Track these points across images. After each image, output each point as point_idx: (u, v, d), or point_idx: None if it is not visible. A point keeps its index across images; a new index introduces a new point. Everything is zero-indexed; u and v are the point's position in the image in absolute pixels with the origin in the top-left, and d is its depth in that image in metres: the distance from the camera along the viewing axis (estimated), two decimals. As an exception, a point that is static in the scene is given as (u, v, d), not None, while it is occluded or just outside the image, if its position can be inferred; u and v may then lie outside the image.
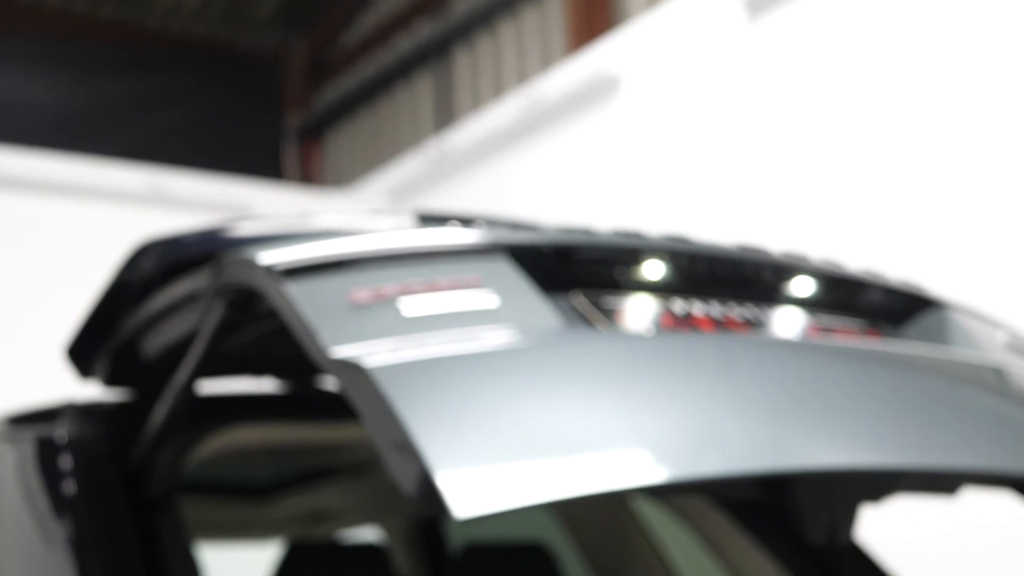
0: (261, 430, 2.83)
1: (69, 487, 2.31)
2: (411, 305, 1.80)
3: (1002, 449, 2.04)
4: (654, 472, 1.74)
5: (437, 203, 7.36)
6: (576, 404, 1.77)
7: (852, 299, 2.27)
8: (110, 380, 2.57)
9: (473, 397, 1.71)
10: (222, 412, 2.61)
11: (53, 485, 2.33)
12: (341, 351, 1.71)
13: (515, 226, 2.04)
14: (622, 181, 6.21)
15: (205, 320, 2.09)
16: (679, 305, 2.06)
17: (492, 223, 2.03)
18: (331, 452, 3.24)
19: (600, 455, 1.73)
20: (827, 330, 2.16)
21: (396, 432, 1.62)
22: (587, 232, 2.07)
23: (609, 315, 1.99)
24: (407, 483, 1.62)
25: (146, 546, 2.24)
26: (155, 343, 2.40)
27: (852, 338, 2.17)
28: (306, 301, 1.79)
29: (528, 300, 1.86)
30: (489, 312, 1.82)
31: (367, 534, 3.82)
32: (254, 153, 9.71)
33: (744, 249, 2.21)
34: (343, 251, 1.87)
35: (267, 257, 1.88)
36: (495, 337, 1.78)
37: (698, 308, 2.07)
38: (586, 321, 1.95)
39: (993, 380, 2.17)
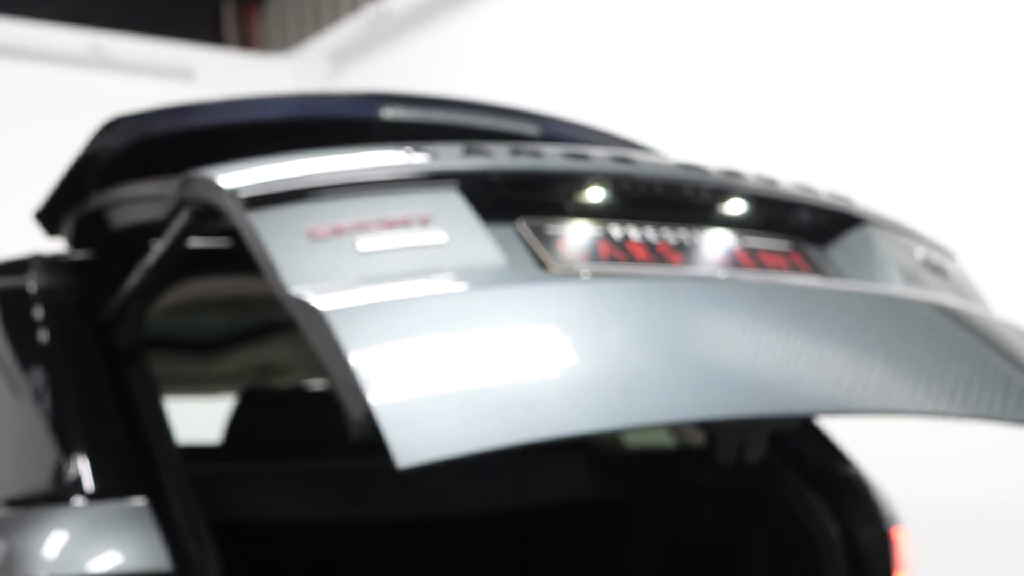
0: (215, 283, 2.92)
1: (41, 336, 2.39)
2: (366, 241, 1.90)
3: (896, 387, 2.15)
4: (587, 421, 1.86)
5: (379, 68, 7.36)
6: (514, 353, 1.88)
7: (782, 218, 2.37)
8: (76, 241, 2.66)
9: (420, 344, 1.82)
10: (179, 264, 2.71)
11: (25, 335, 2.41)
12: (299, 289, 1.82)
13: (468, 150, 2.12)
14: (572, 48, 6.24)
15: (172, 223, 2.19)
16: (616, 230, 2.17)
17: (440, 151, 2.11)
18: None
19: (536, 405, 1.85)
20: (753, 253, 2.27)
21: (347, 376, 1.74)
22: (534, 155, 2.17)
23: (551, 244, 2.08)
24: (357, 417, 1.75)
25: (118, 396, 2.32)
26: (122, 219, 2.49)
27: (772, 269, 2.26)
28: (267, 233, 1.88)
29: (475, 235, 1.97)
30: (439, 248, 1.93)
31: (317, 386, 3.95)
32: (193, 16, 9.62)
33: (683, 168, 2.30)
34: (304, 181, 1.95)
35: (231, 181, 1.96)
36: (443, 280, 1.89)
37: (634, 233, 2.18)
38: (531, 252, 2.05)
39: (891, 317, 2.26)
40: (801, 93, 4.98)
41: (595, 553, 3.38)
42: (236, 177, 1.97)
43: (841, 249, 2.43)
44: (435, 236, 1.95)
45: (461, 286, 1.90)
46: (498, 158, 2.13)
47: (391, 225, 1.94)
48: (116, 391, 2.32)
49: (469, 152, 2.12)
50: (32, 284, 2.47)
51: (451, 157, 2.09)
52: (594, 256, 2.10)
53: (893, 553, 2.83)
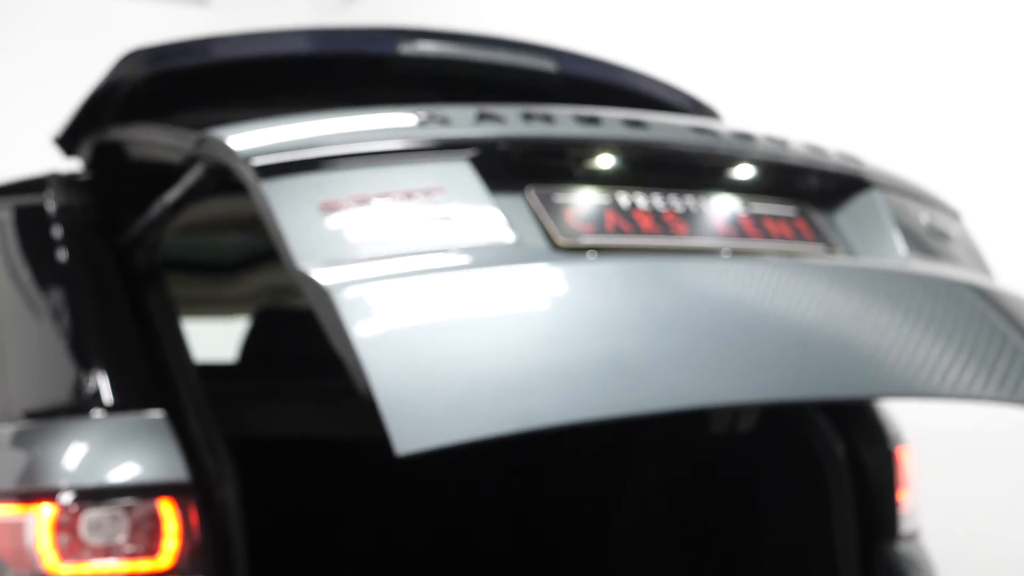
0: (231, 203, 2.95)
1: (60, 254, 2.42)
2: (376, 214, 1.93)
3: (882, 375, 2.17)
4: (587, 409, 1.90)
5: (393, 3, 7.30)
6: (516, 338, 1.91)
7: (789, 183, 2.38)
8: (93, 164, 2.69)
9: (423, 329, 1.85)
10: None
11: (43, 252, 2.45)
12: (307, 264, 1.86)
13: (480, 116, 2.13)
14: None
15: (186, 175, 2.20)
16: (624, 198, 2.19)
17: (453, 116, 2.12)
18: None
19: (536, 392, 1.88)
20: (758, 221, 2.28)
21: (351, 356, 1.79)
22: (546, 120, 2.18)
23: (558, 214, 2.10)
24: (361, 391, 1.79)
25: (135, 313, 2.36)
26: (138, 155, 2.51)
27: (776, 238, 2.27)
28: (279, 204, 1.91)
29: (483, 209, 2.00)
30: (446, 222, 1.96)
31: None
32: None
33: (693, 131, 2.32)
34: (317, 150, 1.97)
35: (246, 147, 1.97)
36: (449, 258, 1.92)
37: (641, 200, 2.20)
38: (538, 223, 2.07)
39: (891, 293, 2.26)
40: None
41: (602, 469, 3.43)
42: (250, 142, 1.98)
43: (847, 214, 2.44)
44: (444, 210, 1.97)
45: (467, 266, 1.93)
46: (510, 124, 2.14)
47: (401, 198, 1.96)
48: (133, 307, 2.36)
49: (481, 118, 2.13)
50: (50, 202, 2.50)
51: (463, 124, 2.10)
52: (600, 227, 2.11)
53: (897, 472, 2.87)
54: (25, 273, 2.49)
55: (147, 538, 2.10)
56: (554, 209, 2.12)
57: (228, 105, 2.67)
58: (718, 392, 2.07)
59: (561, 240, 2.05)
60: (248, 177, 1.93)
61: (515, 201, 2.10)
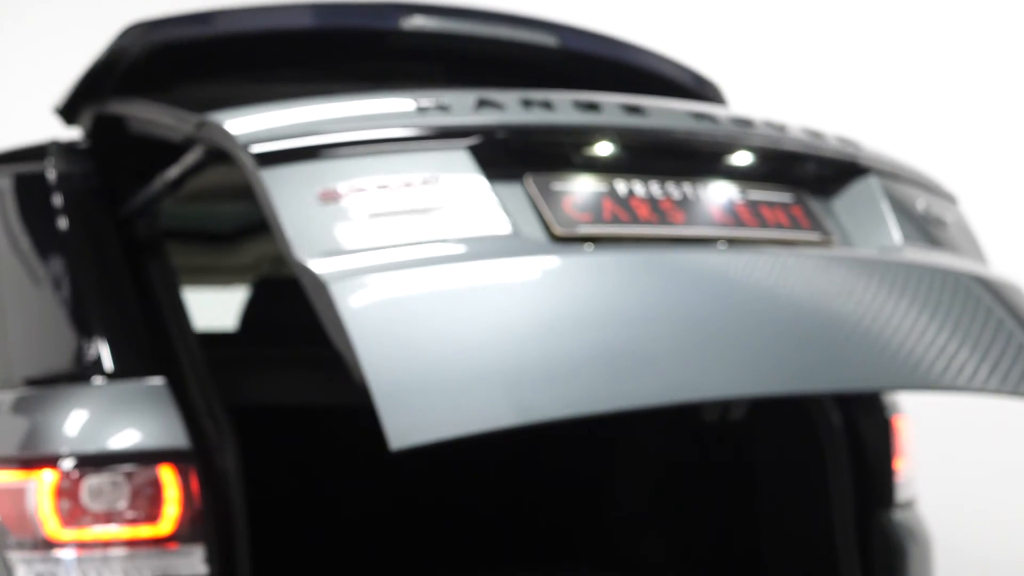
0: (231, 172, 2.96)
1: (60, 221, 2.43)
2: (375, 204, 1.95)
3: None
4: (580, 403, 1.94)
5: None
6: (511, 333, 1.93)
7: (787, 169, 2.40)
8: (93, 134, 2.68)
9: (419, 323, 1.88)
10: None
11: (44, 220, 2.45)
12: (305, 255, 1.87)
13: (480, 102, 2.14)
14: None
15: (186, 155, 2.21)
16: (622, 185, 2.20)
17: (453, 102, 2.13)
18: None
19: (528, 387, 1.91)
20: (755, 208, 2.29)
21: (348, 349, 1.82)
22: (545, 106, 2.18)
23: (556, 203, 2.11)
24: (357, 382, 1.82)
25: (136, 280, 2.36)
26: (138, 129, 2.50)
27: (772, 226, 2.29)
28: (278, 194, 1.92)
29: (482, 199, 2.01)
30: (445, 212, 1.98)
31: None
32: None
33: (692, 116, 2.33)
34: (317, 137, 1.98)
35: (245, 133, 1.97)
36: (446, 251, 1.94)
37: (639, 188, 2.21)
38: (536, 212, 2.09)
39: (883, 283, 2.28)
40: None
41: (599, 442, 3.45)
42: (250, 128, 1.98)
43: (844, 201, 2.45)
44: (442, 199, 1.99)
45: (463, 258, 1.94)
46: (509, 111, 2.15)
47: (400, 188, 1.98)
48: (134, 275, 2.37)
49: (481, 105, 2.13)
50: (51, 170, 2.51)
51: (462, 111, 2.11)
52: (598, 216, 2.13)
53: (894, 441, 2.89)
54: (26, 241, 2.50)
55: (148, 504, 2.11)
56: (552, 197, 2.12)
57: (230, 78, 2.67)
58: (714, 386, 2.10)
59: (558, 230, 2.07)
60: (247, 164, 1.94)
61: (513, 189, 2.11)
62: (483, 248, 1.97)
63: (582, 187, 2.18)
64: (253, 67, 2.72)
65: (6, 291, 2.46)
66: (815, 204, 2.41)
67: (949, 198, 2.66)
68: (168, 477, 2.12)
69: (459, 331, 1.90)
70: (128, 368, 2.22)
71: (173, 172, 2.26)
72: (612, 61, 2.95)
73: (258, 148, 1.95)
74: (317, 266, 1.85)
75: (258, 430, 2.79)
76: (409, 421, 1.83)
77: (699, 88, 3.05)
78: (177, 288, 2.40)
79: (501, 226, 2.01)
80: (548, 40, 2.86)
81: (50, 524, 2.09)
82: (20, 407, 2.26)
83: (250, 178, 1.96)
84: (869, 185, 2.46)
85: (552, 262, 2.01)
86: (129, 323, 2.28)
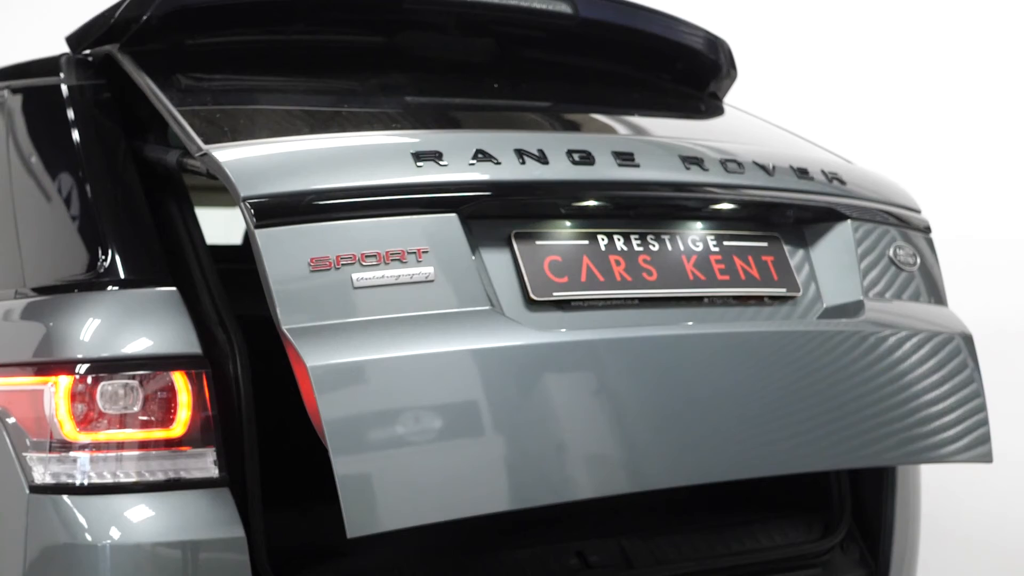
0: None
1: (73, 133, 2.44)
2: (361, 275, 2.09)
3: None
4: (521, 498, 2.14)
5: None
6: (474, 425, 2.12)
7: (766, 216, 2.54)
8: (101, 67, 2.66)
9: (388, 413, 2.06)
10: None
11: (57, 131, 2.47)
12: (291, 323, 2.04)
13: (477, 156, 2.24)
14: None
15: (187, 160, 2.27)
16: (604, 240, 2.35)
17: (452, 156, 2.22)
18: None
19: (486, 482, 2.11)
20: (729, 259, 2.45)
21: (320, 429, 2.01)
22: (540, 160, 2.28)
23: (538, 263, 2.27)
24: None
25: (150, 196, 2.39)
26: (143, 108, 2.50)
27: (744, 280, 2.45)
28: (271, 256, 2.05)
29: (465, 269, 2.17)
30: (427, 286, 2.13)
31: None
32: None
33: (683, 161, 2.43)
34: (316, 200, 2.10)
35: (246, 183, 2.08)
36: (424, 332, 2.11)
37: (620, 243, 2.36)
38: (517, 276, 2.25)
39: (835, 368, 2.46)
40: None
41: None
42: (251, 179, 2.09)
43: (818, 247, 2.60)
44: (428, 270, 2.14)
45: (438, 342, 2.11)
46: (504, 166, 2.25)
47: (390, 259, 2.12)
48: (146, 186, 2.40)
49: (477, 161, 2.24)
50: (64, 82, 2.52)
51: (459, 168, 2.22)
52: (575, 278, 2.29)
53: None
54: (40, 152, 2.53)
55: (161, 408, 2.17)
56: (534, 256, 2.29)
57: (242, 37, 2.67)
58: (661, 478, 2.30)
59: (535, 296, 2.25)
60: (247, 217, 2.06)
61: (498, 248, 2.27)
62: (458, 330, 2.13)
63: (565, 242, 2.33)
64: (266, 28, 2.70)
65: (20, 202, 2.49)
66: (790, 249, 2.55)
67: (923, 228, 2.79)
68: (181, 382, 2.18)
69: (421, 427, 2.08)
70: (141, 276, 2.26)
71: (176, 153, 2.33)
72: (625, 27, 2.98)
73: (257, 204, 2.06)
74: (300, 343, 2.02)
75: (267, 339, 2.84)
76: (366, 513, 2.02)
77: (711, 51, 3.10)
78: (189, 199, 2.44)
79: (479, 299, 2.17)
80: (562, 7, 2.88)
81: (66, 426, 2.15)
82: (36, 314, 2.30)
83: (247, 228, 2.07)
84: (843, 233, 2.60)
85: (518, 356, 2.17)
86: (142, 233, 2.32)
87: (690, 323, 2.36)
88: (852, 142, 4.43)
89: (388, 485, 2.05)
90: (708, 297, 2.40)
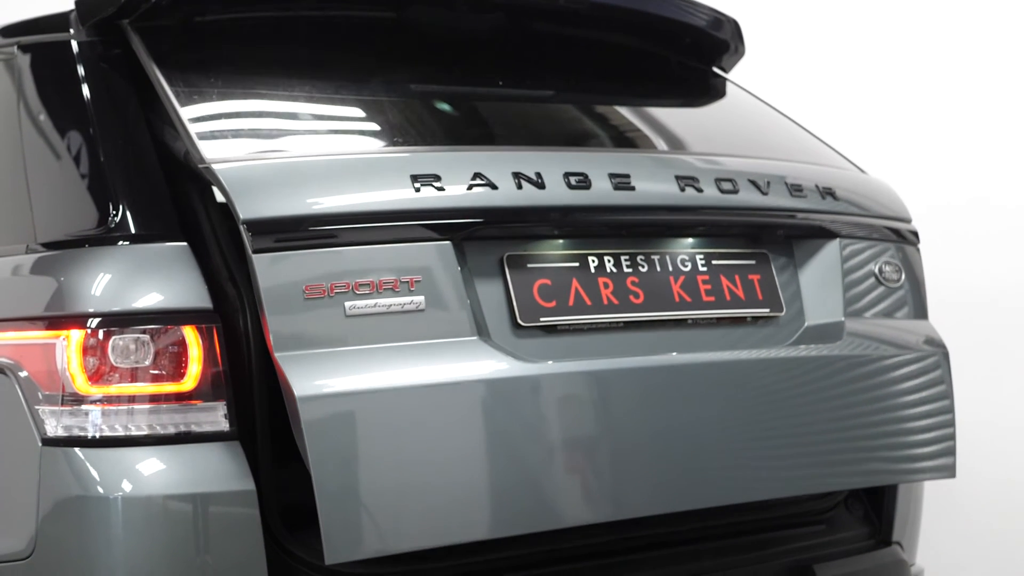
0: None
1: (84, 88, 2.43)
2: (355, 305, 2.17)
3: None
4: (504, 526, 2.23)
5: None
6: (455, 457, 2.19)
7: (756, 234, 2.60)
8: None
9: (371, 446, 2.13)
10: None
11: (68, 88, 2.47)
12: (283, 350, 2.12)
13: (474, 181, 2.29)
14: None
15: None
16: (594, 263, 2.41)
17: (448, 182, 2.27)
18: None
19: (466, 511, 2.19)
20: (716, 279, 2.51)
21: (306, 464, 2.09)
22: (537, 185, 2.33)
23: (528, 288, 2.34)
24: None
25: (160, 152, 2.37)
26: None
27: (729, 302, 2.52)
28: (268, 281, 2.12)
29: (456, 297, 2.24)
30: (420, 317, 2.21)
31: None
32: None
33: (679, 180, 2.48)
34: (312, 217, 2.16)
35: (246, 205, 2.13)
36: (411, 364, 2.18)
37: (611, 265, 2.42)
38: (507, 299, 2.31)
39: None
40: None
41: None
42: (252, 203, 2.15)
43: (806, 265, 2.66)
44: (419, 299, 2.21)
45: (421, 374, 2.19)
46: (501, 194, 2.30)
47: (381, 287, 2.19)
48: (157, 143, 2.40)
49: (475, 185, 2.29)
50: (74, 38, 2.52)
51: (456, 192, 2.27)
52: (563, 303, 2.36)
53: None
54: (50, 108, 2.53)
55: (172, 362, 2.19)
56: (524, 280, 2.35)
57: (251, 13, 2.66)
58: (639, 506, 2.37)
59: (523, 321, 2.31)
60: (245, 239, 2.12)
61: (489, 274, 2.32)
62: (442, 361, 2.21)
63: (556, 264, 2.39)
64: (273, 6, 2.69)
65: (31, 158, 2.49)
66: (778, 265, 2.61)
67: (911, 239, 2.84)
68: (191, 336, 2.19)
69: (404, 457, 2.16)
70: (151, 231, 2.27)
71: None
72: (632, 9, 2.98)
73: (257, 226, 2.13)
74: (290, 371, 2.11)
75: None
76: (345, 543, 2.10)
77: (716, 28, 3.09)
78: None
79: (465, 329, 2.24)
80: None
81: (79, 380, 2.17)
82: (47, 268, 2.31)
83: (246, 254, 2.13)
84: (831, 251, 2.67)
85: (497, 388, 2.25)
86: (152, 188, 2.33)
87: (667, 352, 2.44)
88: (861, 112, 4.44)
89: (368, 515, 2.14)
90: (692, 319, 2.48)
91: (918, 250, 2.86)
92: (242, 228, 2.12)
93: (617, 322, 2.41)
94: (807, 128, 3.07)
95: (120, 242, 2.25)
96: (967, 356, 4.26)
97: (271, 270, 2.13)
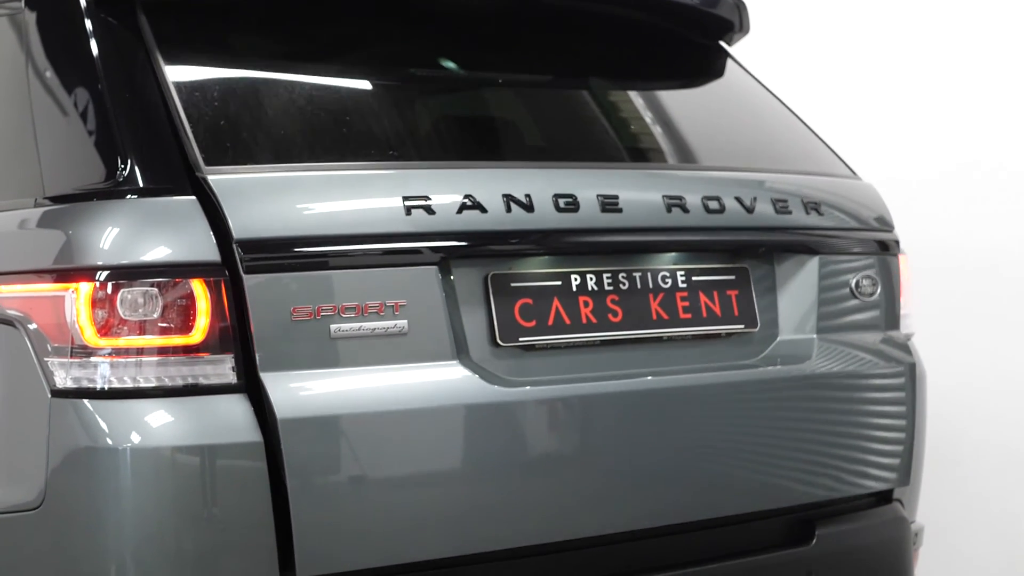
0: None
1: (93, 42, 2.42)
2: (340, 328, 2.23)
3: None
4: (474, 542, 2.31)
5: None
6: (430, 478, 2.27)
7: (738, 250, 2.64)
8: None
9: (348, 463, 2.22)
10: None
11: (77, 43, 2.45)
12: (269, 371, 2.18)
13: (464, 202, 2.34)
14: None
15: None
16: (576, 280, 2.46)
17: (440, 206, 2.32)
18: None
19: (439, 528, 2.27)
20: (694, 294, 2.57)
21: (283, 472, 2.14)
22: (526, 208, 2.39)
23: (509, 308, 2.39)
24: None
25: (169, 108, 2.36)
26: None
27: (706, 319, 2.58)
28: (257, 302, 2.18)
29: (437, 322, 2.30)
30: (402, 340, 2.27)
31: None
32: None
33: (666, 199, 2.53)
34: (304, 248, 2.22)
35: (240, 225, 2.20)
36: (392, 386, 2.25)
37: (592, 282, 2.47)
38: (488, 320, 2.37)
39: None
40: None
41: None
42: (245, 223, 2.21)
43: (785, 282, 2.72)
44: (402, 322, 2.27)
45: (400, 398, 2.26)
46: (490, 218, 2.36)
47: (366, 311, 2.25)
48: (166, 99, 2.40)
49: (464, 208, 2.34)
50: None
51: (446, 216, 2.32)
52: (543, 323, 2.41)
53: (900, 277, 2.95)
54: (58, 62, 2.53)
55: (180, 315, 2.20)
56: (506, 299, 2.40)
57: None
58: (600, 523, 2.43)
59: (502, 341, 2.37)
60: (237, 259, 2.18)
61: (473, 295, 2.37)
62: (421, 385, 2.28)
63: (538, 283, 2.44)
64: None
65: (39, 112, 2.49)
66: (756, 279, 2.66)
67: (892, 249, 2.88)
68: (199, 290, 2.20)
69: (378, 477, 2.24)
70: (160, 185, 2.27)
71: None
72: None
73: (248, 246, 2.19)
74: (274, 393, 2.17)
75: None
76: (318, 555, 2.17)
77: (715, 8, 3.09)
78: None
79: (446, 352, 2.30)
80: None
81: (87, 332, 2.18)
82: (56, 222, 2.32)
83: (239, 276, 2.19)
84: (811, 269, 2.72)
85: (474, 409, 2.32)
86: (161, 142, 2.33)
87: (640, 370, 2.50)
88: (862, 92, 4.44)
89: (340, 532, 2.20)
90: (668, 336, 2.54)
91: (897, 260, 2.91)
92: (235, 248, 2.19)
93: (594, 341, 2.47)
94: (800, 116, 3.07)
95: (128, 196, 2.26)
96: (969, 322, 4.29)
97: (260, 292, 2.20)
